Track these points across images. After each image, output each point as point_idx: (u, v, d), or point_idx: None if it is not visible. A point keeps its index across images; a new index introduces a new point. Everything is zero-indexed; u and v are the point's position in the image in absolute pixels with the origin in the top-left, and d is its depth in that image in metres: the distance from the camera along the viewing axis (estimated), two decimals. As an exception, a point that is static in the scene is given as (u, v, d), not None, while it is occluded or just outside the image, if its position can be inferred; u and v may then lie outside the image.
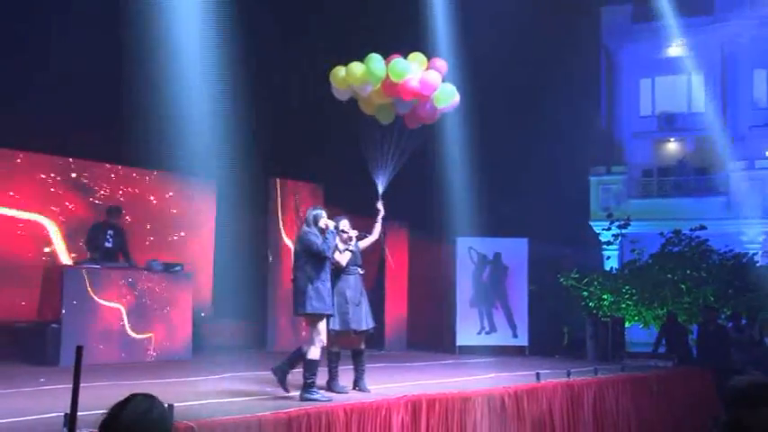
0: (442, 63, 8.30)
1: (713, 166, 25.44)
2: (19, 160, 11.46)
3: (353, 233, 7.84)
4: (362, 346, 7.91)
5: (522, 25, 17.81)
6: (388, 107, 8.13)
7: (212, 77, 12.76)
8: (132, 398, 2.58)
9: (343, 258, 7.72)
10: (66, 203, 11.82)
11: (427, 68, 8.16)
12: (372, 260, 14.46)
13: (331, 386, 7.65)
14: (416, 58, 8.19)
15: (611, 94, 26.94)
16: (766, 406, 3.02)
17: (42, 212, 11.52)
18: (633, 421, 9.50)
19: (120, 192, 12.48)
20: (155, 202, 12.96)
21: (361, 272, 7.92)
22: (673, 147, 26.98)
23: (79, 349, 2.83)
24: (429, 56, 8.35)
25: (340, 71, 8.11)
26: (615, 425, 9.18)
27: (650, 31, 25.27)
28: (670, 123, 26.28)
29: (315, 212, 7.55)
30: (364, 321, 7.76)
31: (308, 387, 7.04)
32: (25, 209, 11.38)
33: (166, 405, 2.68)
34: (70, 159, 11.94)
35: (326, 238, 7.34)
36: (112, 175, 12.49)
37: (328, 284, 7.36)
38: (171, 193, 13.14)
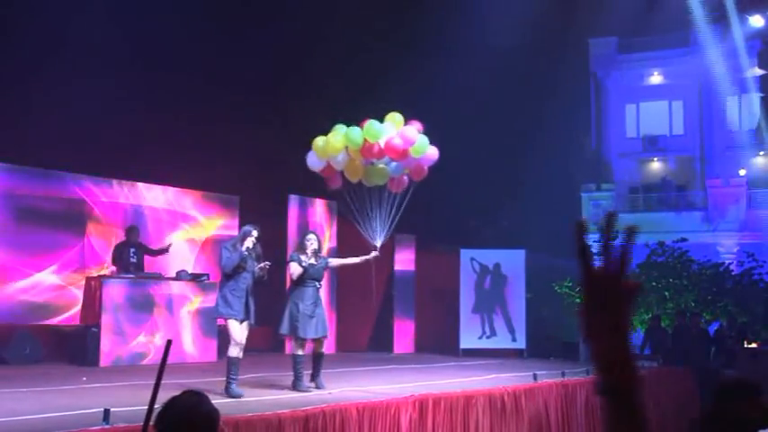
0: (417, 123, 8.00)
1: (692, 184, 25.39)
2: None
3: (311, 248, 7.55)
4: (321, 350, 7.71)
5: (519, 56, 17.86)
6: (380, 170, 7.81)
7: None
8: (183, 393, 2.61)
9: (295, 271, 7.49)
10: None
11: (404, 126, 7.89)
12: (383, 271, 14.43)
13: (296, 386, 7.40)
14: (392, 118, 7.91)
15: (599, 118, 26.90)
16: (745, 401, 3.23)
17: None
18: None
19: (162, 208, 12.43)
20: (187, 216, 12.92)
21: (319, 285, 7.66)
22: (656, 166, 26.89)
23: (168, 342, 2.74)
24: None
25: (319, 141, 7.86)
26: (606, 421, 9.09)
27: (634, 61, 25.35)
28: (653, 144, 26.23)
29: (245, 229, 7.36)
30: (313, 330, 7.48)
31: (228, 383, 6.93)
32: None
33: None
34: (113, 181, 11.89)
35: (231, 255, 7.12)
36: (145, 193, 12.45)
37: (240, 292, 7.15)
38: (199, 209, 13.08)
